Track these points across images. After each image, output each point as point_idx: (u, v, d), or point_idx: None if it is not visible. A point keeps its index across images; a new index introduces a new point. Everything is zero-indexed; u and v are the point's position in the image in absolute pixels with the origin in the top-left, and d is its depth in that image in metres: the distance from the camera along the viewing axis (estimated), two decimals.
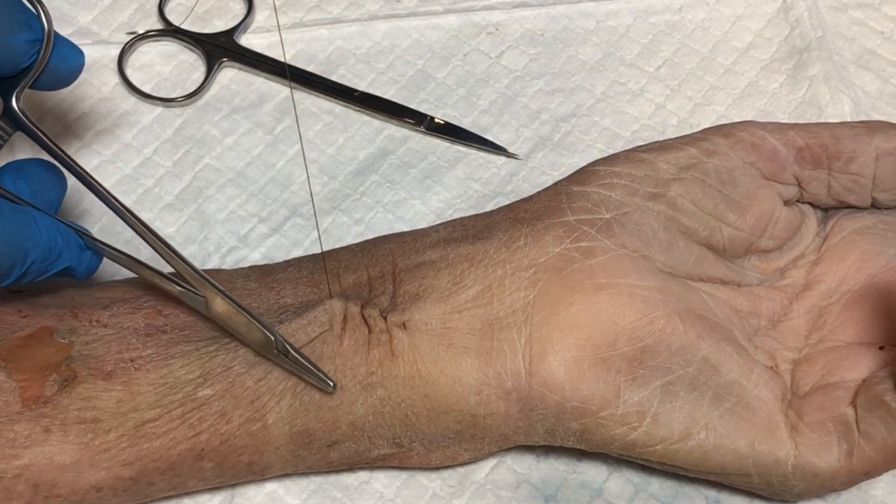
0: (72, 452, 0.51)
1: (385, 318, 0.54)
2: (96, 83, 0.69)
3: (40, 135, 0.54)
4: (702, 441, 0.52)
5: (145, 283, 0.56)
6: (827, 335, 0.57)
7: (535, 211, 0.56)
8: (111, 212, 0.54)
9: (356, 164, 0.67)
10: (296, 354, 0.52)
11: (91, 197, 0.55)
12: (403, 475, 0.57)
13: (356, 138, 0.68)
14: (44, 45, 0.53)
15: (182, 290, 0.54)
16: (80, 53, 0.56)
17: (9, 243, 0.50)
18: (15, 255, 0.50)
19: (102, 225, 0.63)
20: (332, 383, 0.52)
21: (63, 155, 0.54)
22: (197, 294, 0.53)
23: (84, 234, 0.54)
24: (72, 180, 0.55)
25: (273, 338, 0.52)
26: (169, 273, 0.54)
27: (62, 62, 0.55)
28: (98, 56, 0.69)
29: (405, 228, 0.61)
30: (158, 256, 0.54)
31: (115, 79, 0.69)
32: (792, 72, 0.71)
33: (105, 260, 0.55)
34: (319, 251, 0.59)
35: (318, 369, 0.52)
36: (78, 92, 0.68)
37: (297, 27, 0.72)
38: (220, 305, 0.53)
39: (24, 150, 0.62)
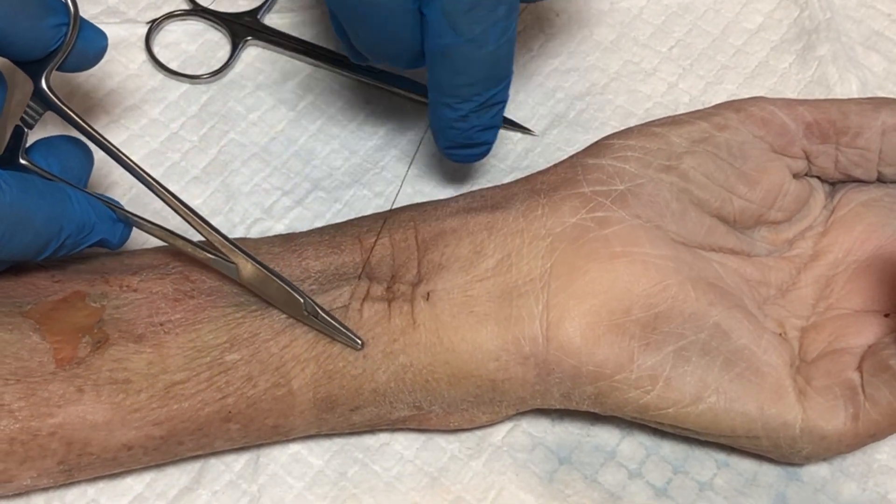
0: (104, 412, 0.52)
1: (410, 289, 0.55)
2: (124, 60, 0.70)
3: (70, 113, 0.55)
4: (713, 404, 0.53)
5: (173, 251, 0.58)
6: (834, 303, 0.58)
7: (551, 182, 0.58)
8: (138, 185, 0.55)
9: (377, 139, 0.68)
10: (325, 315, 0.54)
11: (118, 171, 0.56)
12: (423, 437, 0.59)
13: (376, 114, 0.69)
14: (70, 28, 0.55)
15: (213, 257, 0.55)
16: (104, 36, 0.57)
17: (45, 219, 0.52)
18: (51, 231, 0.52)
19: (131, 197, 0.64)
20: (360, 341, 0.53)
21: (92, 131, 0.55)
22: (227, 261, 0.55)
23: (115, 207, 0.55)
24: (99, 155, 0.56)
25: (302, 300, 0.54)
26: (198, 241, 0.56)
27: (88, 44, 0.56)
28: (126, 34, 0.70)
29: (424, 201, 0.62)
30: (186, 227, 0.55)
31: (142, 56, 0.70)
32: (801, 52, 0.72)
33: (134, 231, 0.57)
34: (342, 221, 0.60)
35: (347, 328, 0.53)
36: (106, 69, 0.69)
37: (319, 6, 0.73)
38: (249, 271, 0.55)
39: (45, 130, 0.63)
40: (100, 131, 0.55)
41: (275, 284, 0.54)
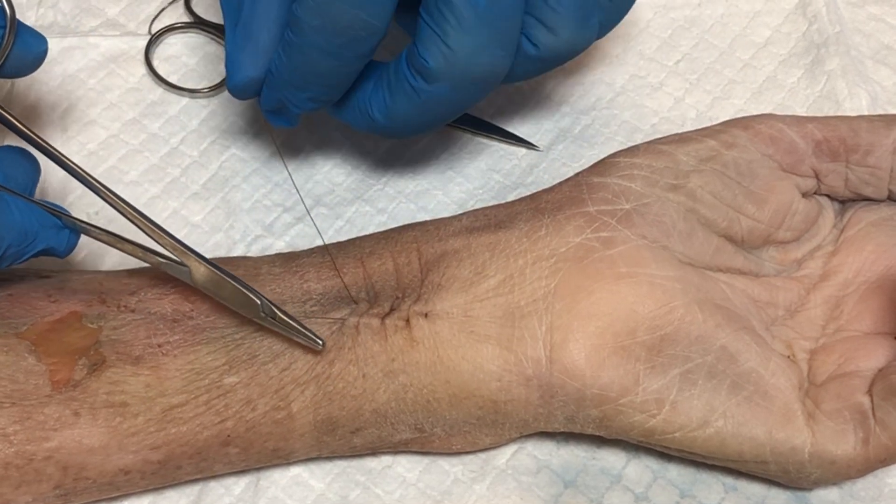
0: (100, 436, 0.51)
1: (407, 308, 0.54)
2: (124, 74, 0.69)
3: (9, 118, 0.54)
4: (720, 429, 0.53)
5: None
6: (843, 325, 0.57)
7: (555, 201, 0.57)
8: (103, 200, 0.54)
9: (379, 155, 0.68)
10: (283, 316, 0.53)
11: (82, 185, 0.55)
12: (426, 460, 0.58)
13: None
14: (7, 32, 0.54)
15: (165, 261, 0.54)
16: (43, 40, 0.57)
17: None
18: None
19: (99, 209, 0.64)
20: (321, 342, 0.52)
21: (35, 137, 0.54)
22: (180, 264, 0.54)
23: (60, 213, 0.54)
24: (61, 174, 0.55)
25: (259, 301, 0.53)
26: (147, 245, 0.55)
27: (25, 49, 0.56)
28: (125, 47, 0.70)
29: (427, 218, 0.61)
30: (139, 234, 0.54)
31: (142, 70, 0.70)
32: (810, 66, 0.72)
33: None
34: (344, 240, 0.60)
35: (307, 329, 0.53)
36: (106, 82, 0.69)
37: None
38: (202, 274, 0.53)
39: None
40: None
41: (229, 286, 0.53)
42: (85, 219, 0.56)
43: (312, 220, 0.65)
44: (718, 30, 0.73)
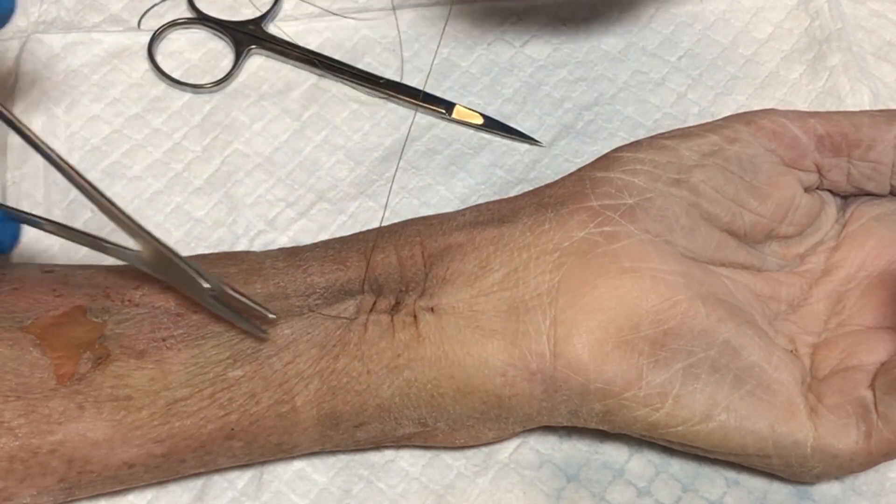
0: (105, 429, 0.51)
1: (413, 303, 0.55)
2: (127, 69, 0.69)
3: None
4: (722, 422, 0.53)
5: None
6: (846, 320, 0.57)
7: (559, 196, 0.57)
8: (76, 191, 0.52)
9: (382, 151, 0.68)
10: (232, 293, 0.52)
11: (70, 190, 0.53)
12: (429, 454, 0.58)
13: (382, 125, 0.69)
14: None
15: (114, 247, 0.53)
16: None
17: None
18: None
19: (71, 200, 0.64)
20: (272, 315, 0.52)
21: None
22: (129, 250, 0.53)
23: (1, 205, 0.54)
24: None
25: (204, 285, 0.52)
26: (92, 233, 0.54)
27: None
28: (129, 43, 0.70)
29: (430, 213, 0.61)
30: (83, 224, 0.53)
31: (145, 65, 0.70)
32: (812, 62, 0.72)
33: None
34: (345, 234, 0.60)
35: (256, 303, 0.52)
36: (109, 78, 0.69)
37: (324, 16, 0.72)
38: (151, 255, 0.53)
39: None
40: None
41: (178, 268, 0.52)
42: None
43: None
44: (721, 26, 0.73)
